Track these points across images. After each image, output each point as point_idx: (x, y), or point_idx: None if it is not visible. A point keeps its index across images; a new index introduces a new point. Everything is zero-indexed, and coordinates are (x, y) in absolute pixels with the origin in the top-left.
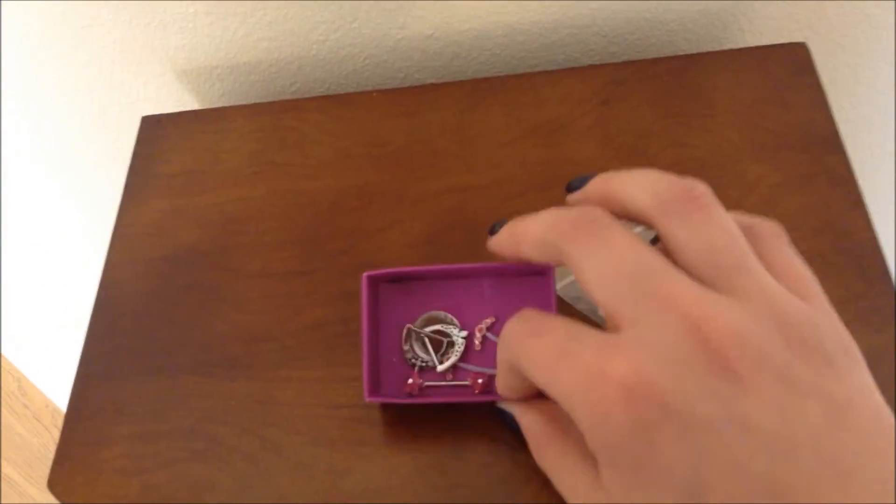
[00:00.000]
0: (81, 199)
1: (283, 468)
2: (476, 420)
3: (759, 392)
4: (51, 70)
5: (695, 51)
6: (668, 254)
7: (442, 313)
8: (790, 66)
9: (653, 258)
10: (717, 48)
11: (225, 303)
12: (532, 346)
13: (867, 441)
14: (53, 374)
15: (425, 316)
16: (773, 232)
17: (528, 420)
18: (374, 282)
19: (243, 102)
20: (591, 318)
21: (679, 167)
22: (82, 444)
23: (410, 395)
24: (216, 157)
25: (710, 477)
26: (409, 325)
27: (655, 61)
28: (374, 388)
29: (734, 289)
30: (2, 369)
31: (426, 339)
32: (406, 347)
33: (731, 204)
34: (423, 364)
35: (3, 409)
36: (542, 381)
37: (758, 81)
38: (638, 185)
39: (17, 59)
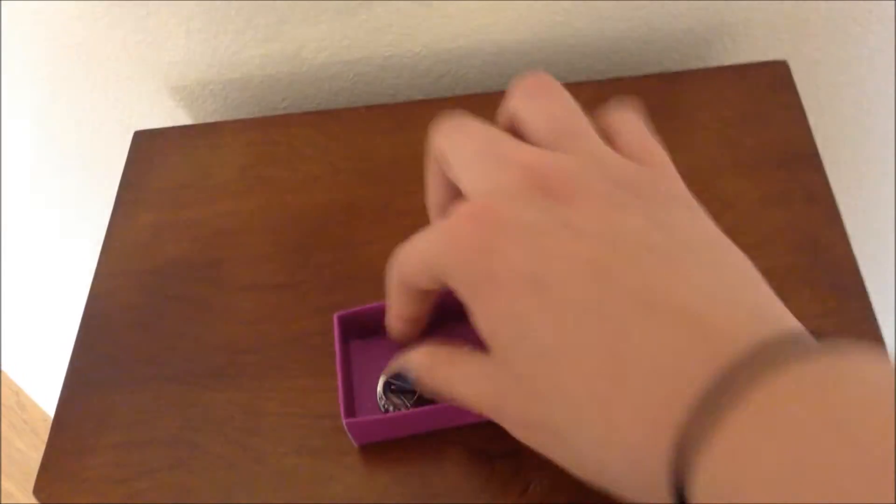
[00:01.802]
0: (76, 211)
1: (265, 477)
2: (455, 431)
3: (582, 206)
4: (45, 87)
5: (680, 69)
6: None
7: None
8: (770, 84)
9: (499, 133)
10: (702, 66)
11: (212, 314)
12: (403, 253)
13: (692, 243)
14: (51, 388)
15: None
16: (624, 114)
17: (416, 358)
18: (345, 329)
19: (236, 116)
20: None
21: None
22: (67, 453)
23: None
24: (206, 171)
25: (546, 269)
26: (381, 377)
27: (638, 79)
28: (350, 413)
29: (570, 150)
30: (1, 384)
31: (398, 395)
32: (380, 394)
33: None
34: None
35: (2, 423)
36: (430, 257)
37: (738, 99)
38: (511, 88)
39: (10, 76)
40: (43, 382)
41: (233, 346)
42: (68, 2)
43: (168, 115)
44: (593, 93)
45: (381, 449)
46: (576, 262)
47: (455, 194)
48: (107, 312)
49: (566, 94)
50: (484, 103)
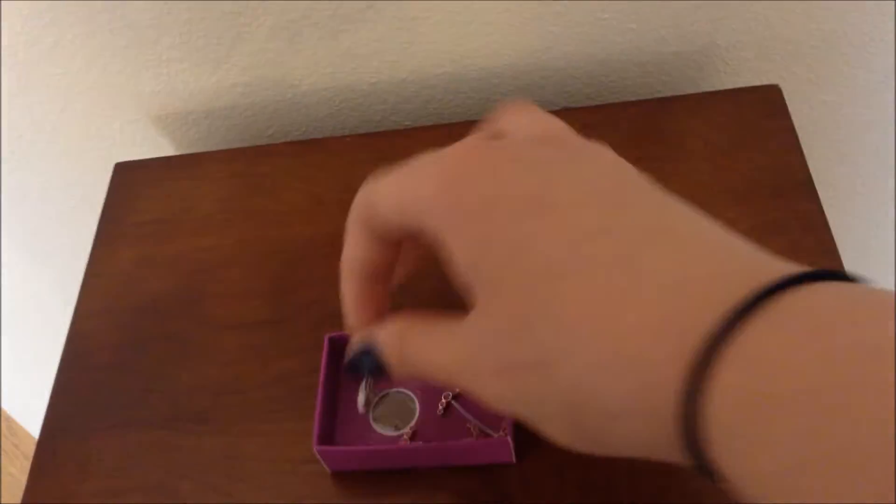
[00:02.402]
0: (57, 243)
1: None
2: (440, 477)
3: (584, 149)
4: (25, 117)
5: (671, 92)
6: None
7: (398, 391)
8: (763, 109)
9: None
10: (694, 89)
11: (193, 354)
12: (375, 189)
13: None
14: (40, 415)
15: (382, 394)
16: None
17: (385, 333)
18: (337, 350)
19: (219, 146)
20: None
21: None
22: (47, 501)
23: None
24: (188, 204)
25: (553, 192)
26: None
27: (628, 105)
28: (326, 438)
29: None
30: None
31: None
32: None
33: None
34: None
35: None
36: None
37: (730, 124)
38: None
39: None
40: (30, 409)
41: (215, 387)
42: (47, 31)
43: (151, 144)
44: (586, 118)
45: (366, 494)
46: (584, 189)
47: (381, 256)
48: (86, 353)
49: (551, 115)
50: (472, 131)
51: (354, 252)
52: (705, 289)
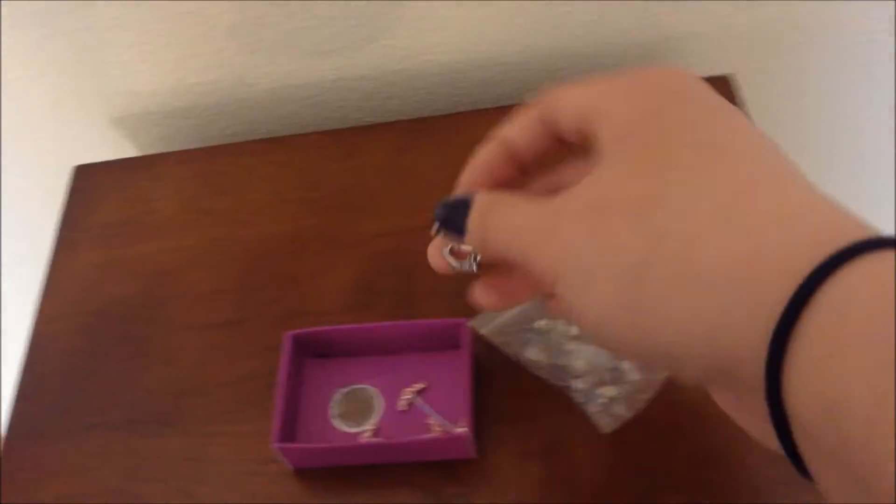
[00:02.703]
0: (18, 247)
1: None
2: (403, 472)
3: None
4: None
5: None
6: None
7: (360, 388)
8: None
9: None
10: None
11: (155, 356)
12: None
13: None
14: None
15: (345, 391)
16: None
17: (480, 195)
18: (298, 348)
19: (181, 146)
20: (519, 359)
21: None
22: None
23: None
24: (149, 205)
25: (723, 133)
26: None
27: None
28: (288, 436)
29: None
30: None
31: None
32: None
33: None
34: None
35: None
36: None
37: None
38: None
39: None
40: None
41: (178, 389)
42: (6, 34)
43: (111, 146)
44: None
45: (331, 493)
46: (738, 123)
47: (533, 143)
48: (48, 359)
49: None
50: (431, 127)
51: (511, 129)
52: (816, 230)
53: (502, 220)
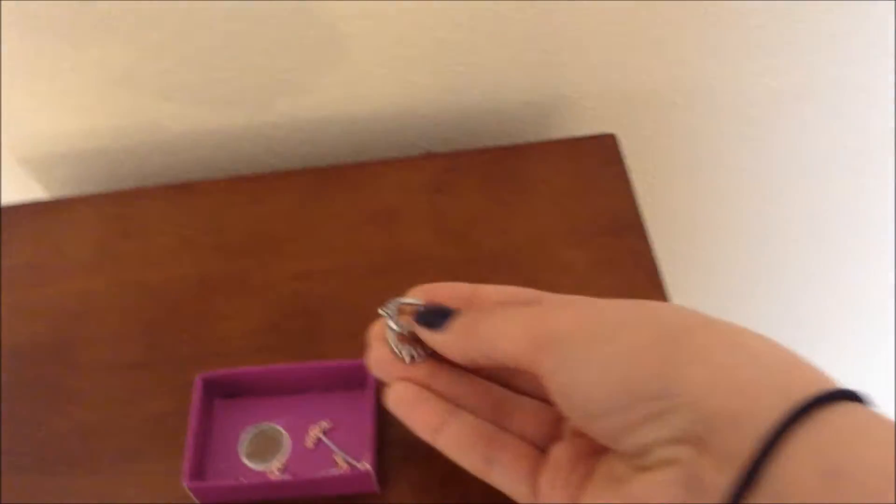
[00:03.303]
0: None
1: None
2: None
3: None
4: None
5: (523, 138)
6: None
7: (268, 427)
8: (600, 156)
9: None
10: (545, 134)
11: (65, 399)
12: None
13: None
14: None
15: (254, 430)
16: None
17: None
18: (208, 389)
19: (91, 188)
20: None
21: (501, 253)
22: None
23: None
24: (58, 248)
25: None
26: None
27: (483, 151)
28: (197, 473)
29: None
30: None
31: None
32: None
33: (546, 286)
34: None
35: None
36: None
37: (572, 170)
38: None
39: None
40: None
41: (87, 431)
42: None
43: (20, 185)
44: (444, 164)
45: None
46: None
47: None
48: None
49: None
50: (339, 175)
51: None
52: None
53: (491, 332)
